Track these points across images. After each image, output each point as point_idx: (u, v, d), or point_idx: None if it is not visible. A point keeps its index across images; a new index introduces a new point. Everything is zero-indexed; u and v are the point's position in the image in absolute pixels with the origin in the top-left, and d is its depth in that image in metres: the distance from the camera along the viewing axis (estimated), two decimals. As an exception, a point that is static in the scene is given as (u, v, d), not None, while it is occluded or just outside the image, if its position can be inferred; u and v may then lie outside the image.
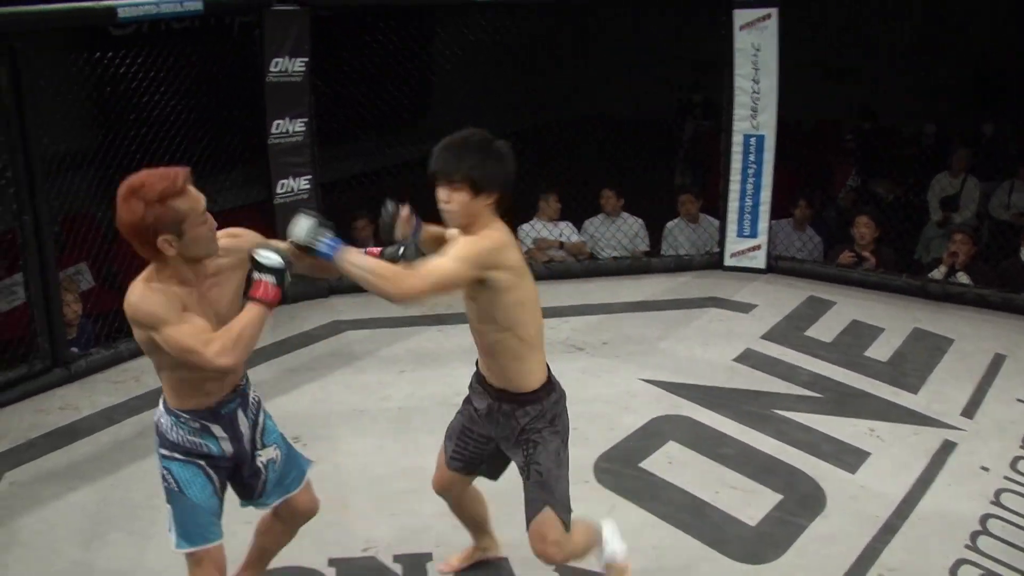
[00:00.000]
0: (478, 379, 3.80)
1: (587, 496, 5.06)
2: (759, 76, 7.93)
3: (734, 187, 8.23)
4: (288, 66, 7.51)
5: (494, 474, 4.02)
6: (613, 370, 6.54)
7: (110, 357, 6.76)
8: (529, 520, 3.70)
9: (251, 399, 3.61)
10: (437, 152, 3.46)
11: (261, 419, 3.64)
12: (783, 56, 7.86)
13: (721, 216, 8.43)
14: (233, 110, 7.83)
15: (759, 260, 8.35)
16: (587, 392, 6.17)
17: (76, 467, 5.47)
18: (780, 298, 7.82)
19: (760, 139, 8.06)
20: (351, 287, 8.06)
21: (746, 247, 8.36)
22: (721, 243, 8.46)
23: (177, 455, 3.44)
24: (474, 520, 4.27)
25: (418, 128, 10.36)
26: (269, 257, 3.25)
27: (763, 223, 8.28)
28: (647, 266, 8.52)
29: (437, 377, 6.35)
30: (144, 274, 3.26)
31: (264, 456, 3.63)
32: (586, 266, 8.45)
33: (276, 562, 4.50)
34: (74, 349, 6.61)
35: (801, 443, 5.55)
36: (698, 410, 5.95)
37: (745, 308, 7.63)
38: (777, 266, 8.36)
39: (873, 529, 4.74)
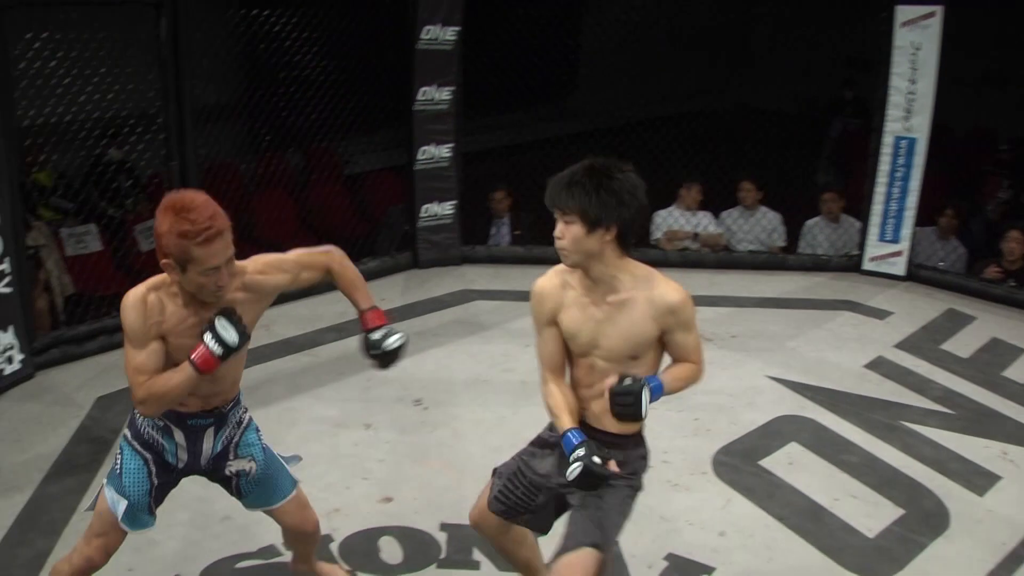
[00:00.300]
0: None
1: (703, 487, 5.03)
2: (916, 76, 7.69)
3: (880, 190, 8.01)
4: (439, 34, 7.54)
5: (541, 526, 3.60)
6: (740, 364, 6.45)
7: (243, 305, 6.87)
8: (566, 550, 3.25)
9: (231, 419, 3.56)
10: (550, 184, 3.18)
11: (237, 438, 3.58)
12: (943, 57, 7.61)
13: (863, 218, 8.22)
14: (380, 74, 7.91)
15: (899, 267, 8.13)
16: (712, 384, 6.06)
17: (203, 409, 5.59)
18: (918, 308, 7.61)
19: (911, 142, 7.83)
20: (484, 256, 8.11)
21: (887, 252, 8.15)
22: (861, 246, 8.25)
23: (135, 443, 3.46)
24: (522, 564, 3.79)
25: (562, 106, 10.37)
26: (227, 331, 3.16)
27: (907, 229, 8.05)
28: (783, 263, 8.36)
29: (561, 355, 6.32)
30: (160, 278, 3.25)
31: (235, 466, 3.59)
32: (720, 258, 8.33)
33: (390, 521, 4.60)
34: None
35: (928, 459, 5.39)
36: (824, 413, 5.83)
37: (881, 315, 7.44)
38: (917, 274, 8.12)
39: (998, 556, 4.56)
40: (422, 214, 7.95)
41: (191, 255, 3.05)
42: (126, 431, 3.50)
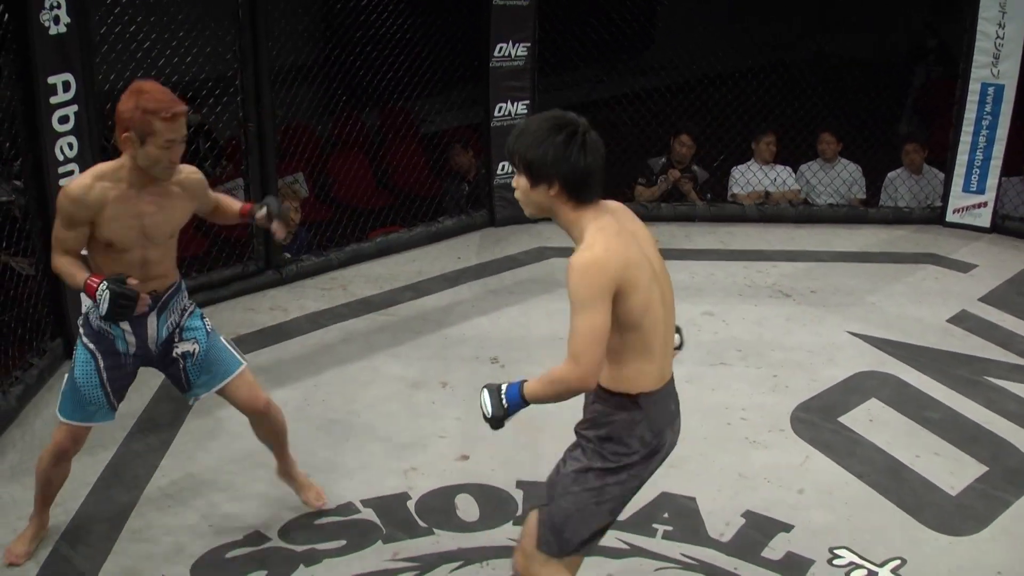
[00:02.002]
0: None
1: (781, 444, 5.00)
2: (1005, 20, 7.46)
3: (965, 139, 7.81)
4: (516, -11, 7.50)
5: None
6: (819, 319, 6.37)
7: (320, 264, 6.95)
8: (525, 512, 3.29)
9: (174, 306, 3.91)
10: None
11: (183, 322, 3.94)
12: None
13: (947, 169, 8.03)
14: (456, 32, 7.89)
15: (984, 218, 7.94)
16: (791, 339, 6.06)
17: (281, 365, 5.68)
18: (1004, 260, 7.43)
19: (999, 89, 7.62)
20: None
21: (971, 203, 7.96)
22: (944, 197, 8.06)
23: (86, 339, 3.84)
24: None
25: (639, 61, 10.27)
26: (102, 303, 3.58)
27: (992, 179, 7.84)
28: (863, 216, 8.21)
29: (637, 312, 6.29)
30: (109, 164, 3.71)
31: (180, 348, 3.93)
32: (800, 212, 8.20)
33: (468, 478, 4.67)
34: (287, 254, 6.82)
35: (1013, 415, 5.28)
36: (905, 369, 5.74)
37: (964, 268, 7.29)
38: (1003, 226, 7.92)
39: (1084, 512, 4.49)
40: (499, 172, 7.93)
41: (153, 128, 3.51)
42: (80, 328, 3.87)
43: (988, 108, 7.68)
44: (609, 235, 2.91)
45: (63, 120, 5.42)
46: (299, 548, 4.16)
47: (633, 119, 8.44)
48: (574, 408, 5.21)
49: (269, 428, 4.17)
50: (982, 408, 5.35)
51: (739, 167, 8.39)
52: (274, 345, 5.93)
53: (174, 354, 3.93)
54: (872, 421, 5.22)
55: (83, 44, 5.50)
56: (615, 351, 2.99)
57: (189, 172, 3.85)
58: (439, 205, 8.10)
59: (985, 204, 7.91)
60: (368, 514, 4.37)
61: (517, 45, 7.65)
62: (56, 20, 5.27)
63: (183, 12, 6.73)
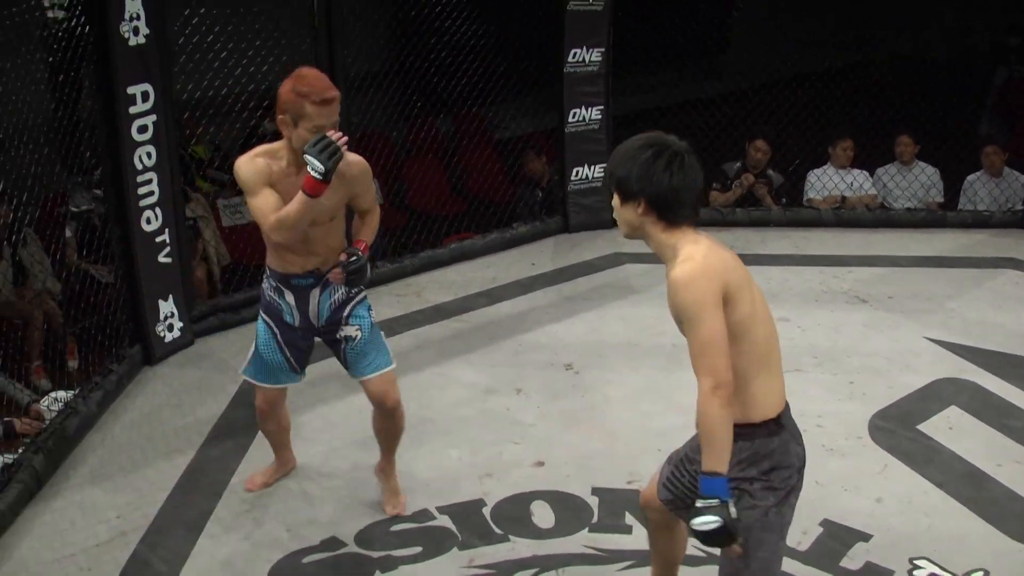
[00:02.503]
0: None
1: (859, 453, 4.93)
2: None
3: (1048, 141, 7.68)
4: (591, -5, 7.51)
5: None
6: (897, 325, 6.28)
7: (395, 271, 6.99)
8: None
9: (341, 289, 4.08)
10: None
11: (349, 308, 4.12)
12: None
13: (1029, 172, 7.90)
14: (530, 37, 7.90)
15: (1068, 223, 7.79)
16: (868, 345, 5.98)
17: (357, 374, 5.71)
18: (1088, 265, 7.28)
19: (1084, 90, 7.49)
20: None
21: (1054, 207, 7.82)
22: (1026, 201, 7.94)
23: (263, 314, 4.16)
24: (663, 559, 3.61)
25: (715, 65, 10.22)
26: (313, 163, 3.63)
27: (1078, 182, 7.70)
28: (942, 220, 8.08)
29: (713, 318, 6.25)
30: (271, 144, 3.89)
31: (343, 332, 4.14)
32: (876, 216, 8.10)
33: (543, 485, 4.66)
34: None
35: (1097, 423, 5.18)
36: (986, 376, 5.64)
37: (1048, 273, 7.15)
38: (1088, 231, 7.77)
39: None
40: (573, 177, 7.93)
41: (304, 112, 3.64)
42: (260, 308, 4.18)
43: (1074, 109, 7.54)
44: (705, 247, 2.91)
45: (142, 130, 5.51)
46: (375, 554, 4.19)
47: (707, 124, 8.39)
48: (647, 415, 5.20)
49: (389, 427, 4.37)
50: (1067, 417, 5.24)
51: (815, 171, 8.30)
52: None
53: (338, 335, 4.15)
54: (952, 429, 5.13)
55: (162, 54, 5.59)
56: (742, 376, 2.87)
57: (354, 160, 3.95)
58: (513, 211, 8.12)
59: (1069, 208, 7.75)
60: (444, 521, 4.39)
61: (591, 50, 7.66)
62: (136, 31, 5.36)
63: (259, 22, 6.81)
